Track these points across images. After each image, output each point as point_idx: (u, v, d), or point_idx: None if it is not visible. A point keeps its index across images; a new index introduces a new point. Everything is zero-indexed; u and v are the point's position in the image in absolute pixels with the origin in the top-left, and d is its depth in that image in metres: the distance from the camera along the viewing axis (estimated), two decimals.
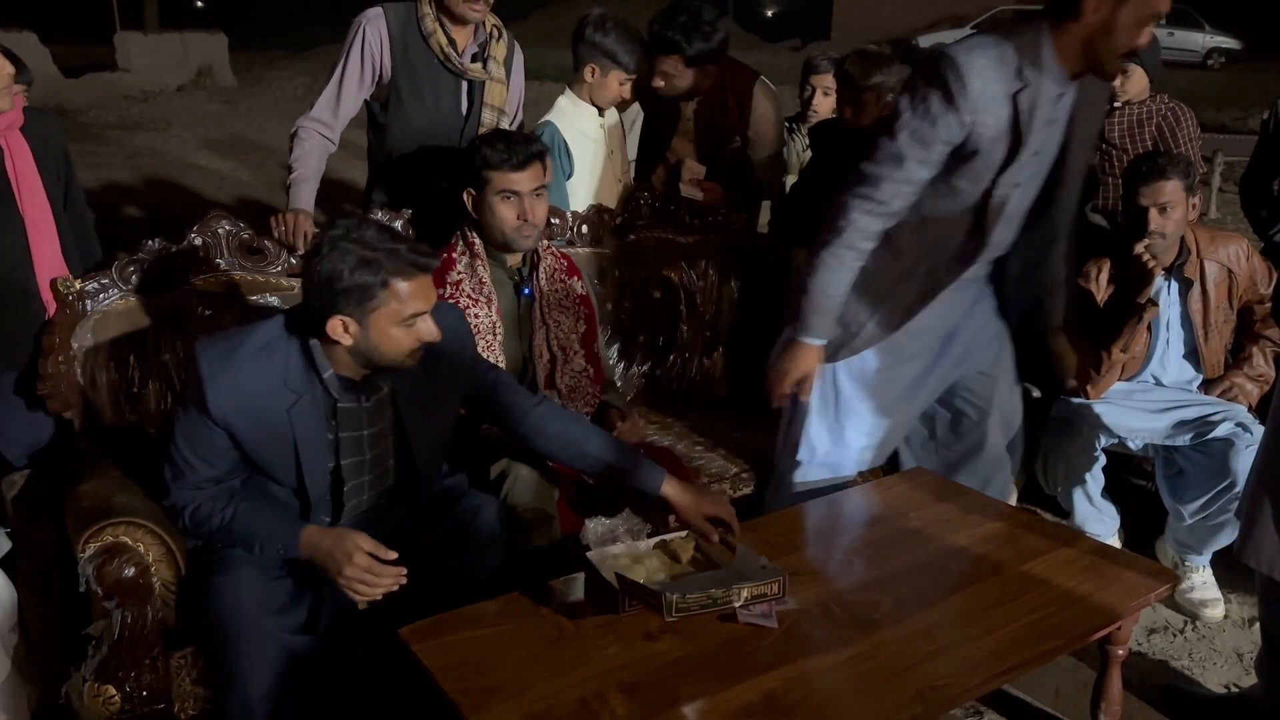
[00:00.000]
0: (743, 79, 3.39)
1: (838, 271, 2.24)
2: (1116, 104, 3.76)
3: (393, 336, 1.83)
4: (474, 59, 2.81)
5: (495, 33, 2.84)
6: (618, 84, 3.01)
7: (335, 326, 1.80)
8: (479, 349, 2.41)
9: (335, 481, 2.00)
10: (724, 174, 3.38)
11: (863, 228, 2.19)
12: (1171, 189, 2.72)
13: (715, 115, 3.34)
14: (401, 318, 1.82)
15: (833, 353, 2.37)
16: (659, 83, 3.18)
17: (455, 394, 2.11)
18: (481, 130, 2.79)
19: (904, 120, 2.11)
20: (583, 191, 3.11)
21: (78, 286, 2.24)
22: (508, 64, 2.87)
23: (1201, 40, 19.82)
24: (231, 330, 1.96)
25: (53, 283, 2.25)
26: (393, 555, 1.86)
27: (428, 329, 1.86)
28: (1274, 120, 3.49)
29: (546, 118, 3.06)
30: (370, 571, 1.83)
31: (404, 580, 1.86)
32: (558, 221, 2.94)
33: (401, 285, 1.80)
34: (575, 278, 2.64)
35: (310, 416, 1.89)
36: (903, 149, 2.12)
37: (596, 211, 3.05)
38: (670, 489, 2.03)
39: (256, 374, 1.83)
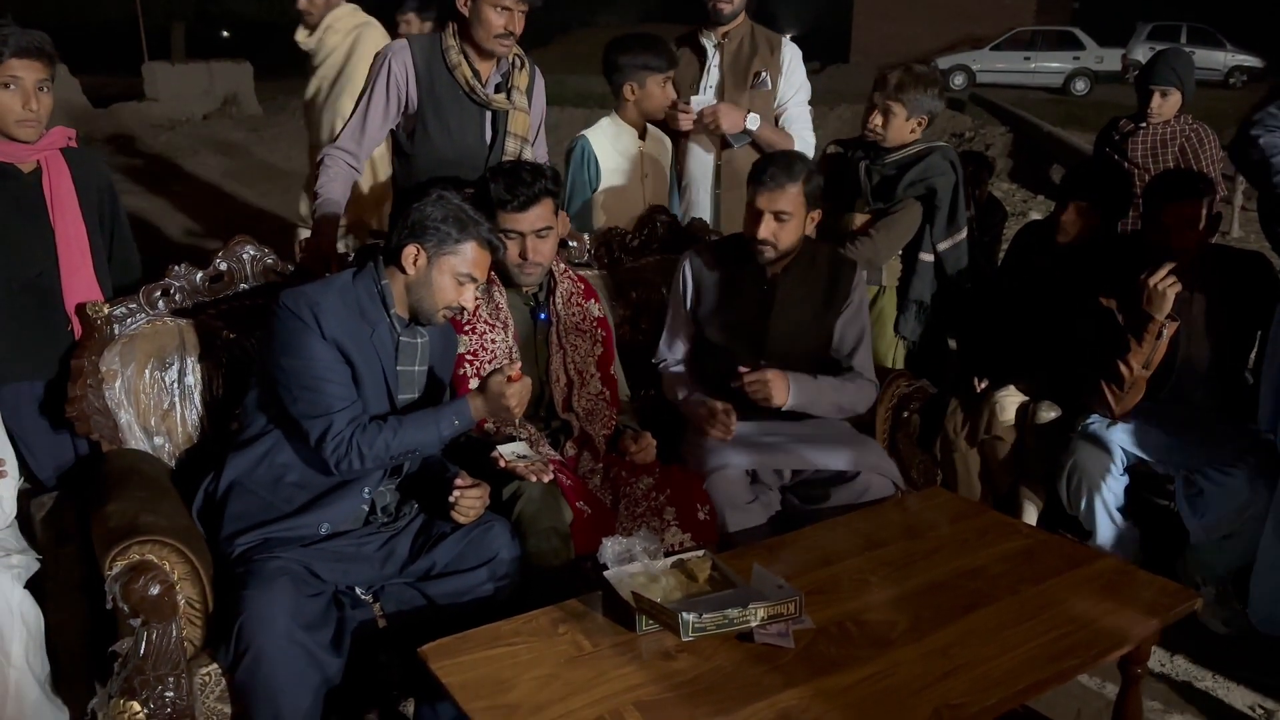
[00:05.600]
0: (774, 36, 3.50)
1: None
2: (1143, 124, 3.79)
3: (444, 285, 2.13)
4: (497, 89, 2.85)
5: (517, 62, 2.88)
6: (659, 88, 3.16)
7: (410, 252, 2.11)
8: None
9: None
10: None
11: None
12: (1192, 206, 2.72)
13: (742, 53, 3.43)
14: (458, 273, 2.14)
15: None
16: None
17: (445, 377, 2.35)
18: (505, 158, 2.83)
19: None
20: (604, 209, 3.16)
21: (105, 311, 2.29)
22: (529, 92, 2.92)
23: (1223, 59, 19.74)
24: (304, 285, 2.17)
25: (79, 307, 2.29)
26: (514, 370, 2.15)
27: (469, 295, 2.17)
28: None
29: (583, 132, 3.15)
30: (513, 394, 2.12)
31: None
32: (575, 244, 2.97)
33: (473, 248, 2.14)
34: (592, 300, 2.66)
35: (385, 345, 2.16)
36: None
37: (613, 233, 3.08)
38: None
39: (341, 308, 2.11)
